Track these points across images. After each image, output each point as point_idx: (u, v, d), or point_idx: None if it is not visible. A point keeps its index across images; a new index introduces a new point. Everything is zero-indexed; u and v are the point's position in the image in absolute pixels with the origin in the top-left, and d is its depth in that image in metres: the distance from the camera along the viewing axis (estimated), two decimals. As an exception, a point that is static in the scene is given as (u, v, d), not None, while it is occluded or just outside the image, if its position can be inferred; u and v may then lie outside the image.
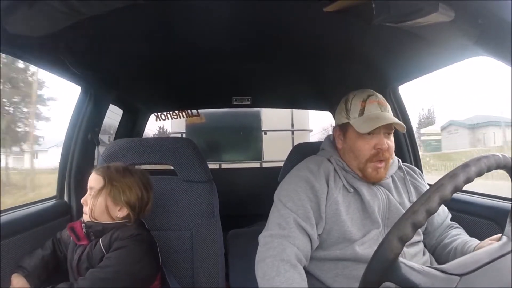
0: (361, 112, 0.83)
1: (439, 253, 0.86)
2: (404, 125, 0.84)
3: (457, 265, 0.44)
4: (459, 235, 0.84)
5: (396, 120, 0.83)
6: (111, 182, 0.83)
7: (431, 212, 0.43)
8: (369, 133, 0.81)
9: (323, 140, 0.98)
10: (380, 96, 0.87)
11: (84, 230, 0.83)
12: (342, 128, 0.88)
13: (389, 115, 0.83)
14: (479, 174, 0.46)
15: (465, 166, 0.45)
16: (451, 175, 0.44)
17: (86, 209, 0.84)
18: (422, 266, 0.44)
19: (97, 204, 0.82)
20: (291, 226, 0.75)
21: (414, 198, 0.86)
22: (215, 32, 0.94)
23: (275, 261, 0.70)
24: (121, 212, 0.84)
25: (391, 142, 0.84)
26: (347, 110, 0.86)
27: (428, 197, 0.43)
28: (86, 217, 0.84)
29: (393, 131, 0.84)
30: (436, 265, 0.45)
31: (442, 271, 0.43)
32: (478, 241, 0.76)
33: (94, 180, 0.84)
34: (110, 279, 0.75)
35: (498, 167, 0.47)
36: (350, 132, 0.85)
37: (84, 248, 0.83)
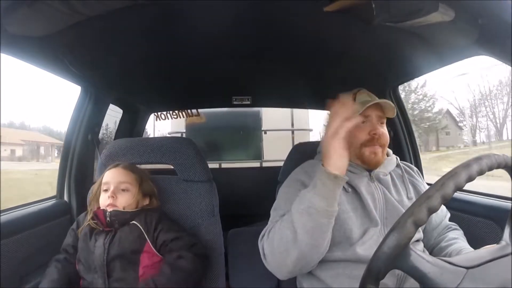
0: (353, 101, 0.87)
1: (435, 255, 0.85)
2: (395, 108, 0.86)
3: (464, 259, 0.44)
4: (456, 239, 0.84)
5: (386, 100, 0.85)
6: (141, 177, 0.95)
7: (445, 199, 0.43)
8: (363, 121, 0.84)
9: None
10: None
11: (108, 219, 0.86)
12: None
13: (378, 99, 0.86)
14: (490, 168, 0.46)
15: (478, 158, 0.46)
16: (465, 165, 0.45)
17: (114, 202, 0.88)
18: (431, 255, 0.44)
19: (133, 198, 0.91)
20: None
21: (412, 195, 0.86)
22: (215, 32, 0.94)
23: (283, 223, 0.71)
24: (145, 202, 0.95)
25: (384, 130, 0.86)
26: None
27: (443, 183, 0.44)
28: (110, 207, 0.88)
29: (385, 120, 0.87)
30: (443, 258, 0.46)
31: (450, 263, 0.43)
32: (473, 250, 0.76)
33: (127, 175, 0.93)
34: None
35: (506, 166, 0.48)
36: None
37: (105, 236, 0.86)
